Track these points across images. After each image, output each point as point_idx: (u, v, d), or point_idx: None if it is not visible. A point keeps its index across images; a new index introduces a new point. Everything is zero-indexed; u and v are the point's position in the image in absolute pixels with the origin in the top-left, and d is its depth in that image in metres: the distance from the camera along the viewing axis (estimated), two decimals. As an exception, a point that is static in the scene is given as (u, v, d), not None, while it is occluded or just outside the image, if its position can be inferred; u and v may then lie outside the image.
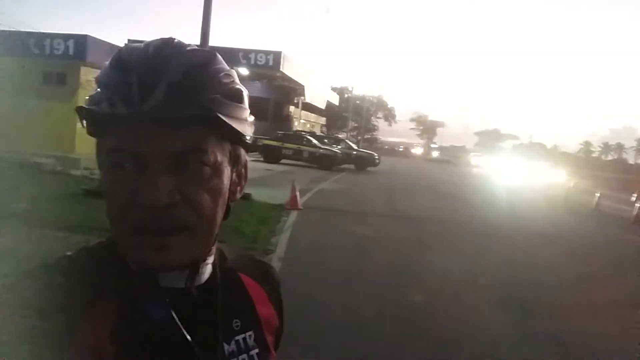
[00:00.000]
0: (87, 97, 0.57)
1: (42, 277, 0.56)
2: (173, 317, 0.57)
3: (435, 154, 65.78)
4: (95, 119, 0.55)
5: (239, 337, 0.65)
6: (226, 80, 0.58)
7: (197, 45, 0.59)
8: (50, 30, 16.66)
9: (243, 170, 0.65)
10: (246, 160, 0.65)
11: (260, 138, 22.41)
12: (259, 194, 10.25)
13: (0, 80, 13.81)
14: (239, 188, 0.65)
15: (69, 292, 0.54)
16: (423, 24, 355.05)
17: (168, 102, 0.52)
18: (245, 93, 0.60)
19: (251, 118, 0.62)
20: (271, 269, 0.81)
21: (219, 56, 0.59)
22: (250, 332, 0.67)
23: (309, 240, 7.44)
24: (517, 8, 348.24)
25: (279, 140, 21.94)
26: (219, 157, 0.57)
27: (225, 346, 0.63)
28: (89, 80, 14.55)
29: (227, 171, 0.59)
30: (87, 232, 5.72)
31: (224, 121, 0.55)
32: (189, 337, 0.57)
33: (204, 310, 0.61)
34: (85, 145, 13.31)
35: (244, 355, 0.65)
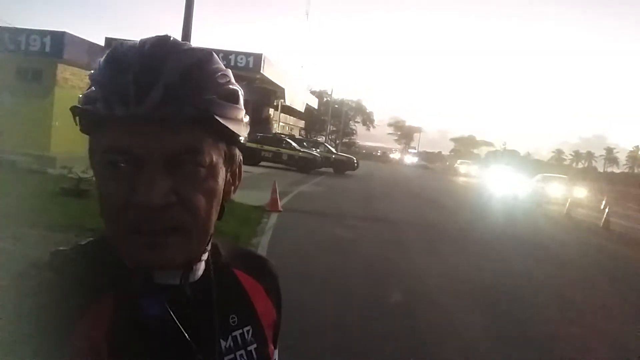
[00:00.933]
0: (81, 95, 0.56)
1: (37, 274, 0.56)
2: (170, 314, 0.57)
3: (413, 159, 64.94)
4: (90, 117, 0.54)
5: (236, 333, 0.65)
6: (222, 81, 0.58)
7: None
8: (26, 26, 16.18)
9: (237, 170, 0.65)
10: (240, 160, 0.65)
11: (239, 140, 22.32)
12: (239, 196, 10.21)
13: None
14: (233, 188, 0.65)
15: (65, 290, 0.54)
16: (402, 31, 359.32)
17: (165, 103, 0.52)
18: (241, 93, 0.61)
19: (246, 118, 0.62)
20: (268, 263, 0.80)
21: (215, 55, 0.59)
22: (248, 328, 0.66)
23: (289, 241, 7.49)
24: (494, 14, 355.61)
25: (258, 142, 21.86)
26: (215, 158, 0.57)
27: (222, 342, 0.63)
28: (65, 78, 14.28)
29: (222, 172, 0.59)
30: (65, 231, 5.66)
31: (221, 122, 0.55)
32: (185, 334, 0.57)
33: (199, 307, 0.61)
34: (60, 144, 13.05)
35: (242, 351, 0.65)
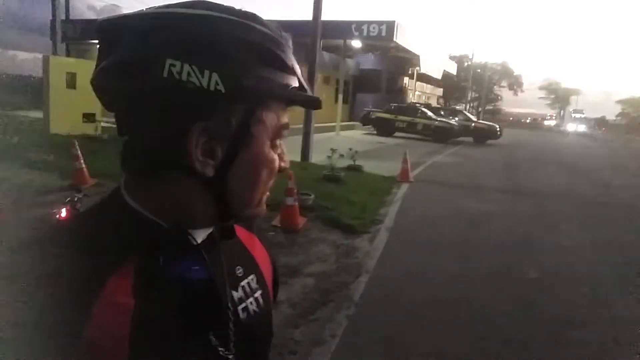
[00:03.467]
0: (256, 68, 0.55)
1: (60, 235, 0.59)
2: (204, 272, 0.60)
3: (579, 126, 52.32)
4: (267, 97, 0.58)
5: (244, 283, 0.69)
6: None
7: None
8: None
9: None
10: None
11: (373, 111, 22.36)
12: (371, 167, 10.36)
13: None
14: None
15: (93, 250, 0.55)
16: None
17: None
18: None
19: None
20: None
21: None
22: (252, 276, 0.71)
23: (418, 212, 7.38)
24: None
25: (392, 113, 21.64)
26: None
27: (234, 293, 0.66)
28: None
29: None
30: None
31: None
32: (217, 288, 0.61)
33: (214, 263, 0.63)
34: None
35: (251, 299, 0.69)
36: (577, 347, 3.47)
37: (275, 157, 0.61)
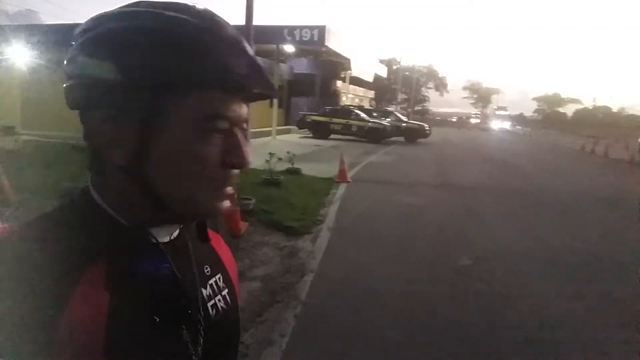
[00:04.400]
0: (159, 54, 0.54)
1: (30, 235, 0.57)
2: (168, 269, 0.61)
3: (503, 123, 52.23)
4: (179, 85, 0.55)
5: (212, 281, 0.71)
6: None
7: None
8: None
9: None
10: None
11: (309, 114, 22.58)
12: (309, 169, 10.48)
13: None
14: None
15: (59, 251, 0.55)
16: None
17: (264, 78, 0.60)
18: None
19: None
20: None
21: None
22: (219, 275, 0.73)
23: (357, 210, 7.57)
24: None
25: (327, 115, 21.99)
26: None
27: (203, 291, 0.68)
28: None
29: None
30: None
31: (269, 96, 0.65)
32: (185, 286, 0.62)
33: (183, 261, 0.65)
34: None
35: (219, 296, 0.70)
36: (512, 325, 3.74)
37: (208, 149, 0.57)
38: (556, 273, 5.02)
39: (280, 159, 8.78)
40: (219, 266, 0.74)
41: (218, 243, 0.77)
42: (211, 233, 0.74)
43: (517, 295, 4.34)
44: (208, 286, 0.69)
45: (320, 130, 21.70)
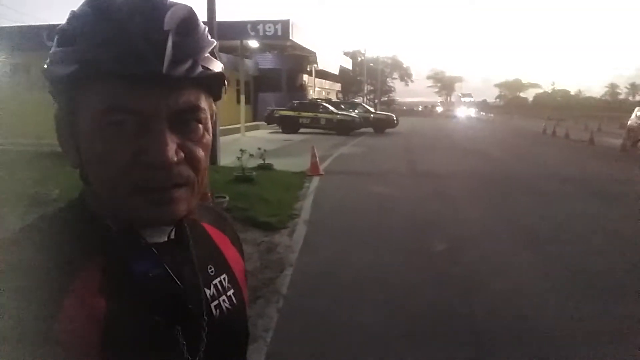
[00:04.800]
0: (52, 53, 0.55)
1: (20, 243, 0.57)
2: (162, 270, 0.60)
3: (469, 110, 52.46)
4: (82, 76, 0.52)
5: (216, 281, 0.69)
6: (210, 37, 0.58)
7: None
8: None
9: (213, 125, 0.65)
10: (216, 115, 0.65)
11: (277, 109, 22.48)
12: (281, 164, 10.45)
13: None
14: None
15: (52, 255, 0.55)
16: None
17: (177, 62, 0.52)
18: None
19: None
20: (225, 214, 0.86)
21: None
22: (224, 275, 0.71)
23: (331, 202, 7.62)
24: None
25: (295, 110, 21.96)
26: (208, 114, 0.59)
27: (207, 291, 0.66)
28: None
29: (211, 127, 0.60)
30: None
31: (220, 80, 0.59)
32: (180, 286, 0.60)
33: (182, 261, 0.63)
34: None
35: (223, 297, 0.69)
36: (488, 305, 3.87)
37: (111, 146, 0.53)
38: (524, 252, 5.21)
39: (251, 155, 8.73)
40: (224, 266, 0.73)
41: (224, 244, 0.76)
42: (217, 233, 0.75)
43: (491, 276, 4.48)
44: (212, 286, 0.68)
45: (289, 125, 21.64)
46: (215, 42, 0.59)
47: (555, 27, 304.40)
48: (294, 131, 21.42)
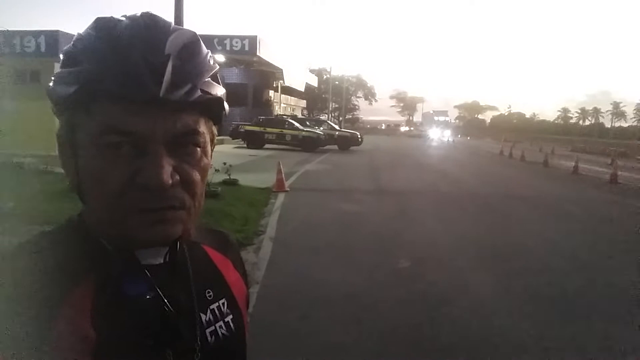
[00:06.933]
0: (57, 74, 0.56)
1: (16, 260, 0.57)
2: (154, 292, 0.59)
3: (444, 131, 46.76)
4: (82, 98, 0.53)
5: (214, 306, 0.67)
6: (212, 62, 0.59)
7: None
8: (19, 27, 16.22)
9: (212, 148, 0.65)
10: (216, 138, 0.66)
11: (242, 124, 22.40)
12: (246, 179, 10.39)
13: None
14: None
15: (44, 276, 0.55)
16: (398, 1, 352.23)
17: (176, 85, 0.53)
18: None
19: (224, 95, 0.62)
20: (230, 237, 0.82)
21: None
22: (223, 300, 0.69)
23: (297, 219, 7.63)
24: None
25: (260, 125, 21.97)
26: (207, 138, 0.60)
27: (202, 316, 0.65)
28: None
29: (209, 151, 0.61)
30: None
31: (219, 105, 0.59)
32: (171, 310, 0.60)
33: (178, 284, 0.63)
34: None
35: (220, 322, 0.67)
36: (453, 319, 3.96)
37: (110, 168, 0.54)
38: (482, 267, 5.38)
39: (216, 170, 8.65)
40: (224, 290, 0.71)
41: (226, 266, 0.74)
42: (218, 256, 0.74)
43: (454, 291, 4.60)
44: (208, 311, 0.67)
45: (254, 140, 21.60)
46: (217, 67, 0.60)
47: (511, 50, 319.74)
48: (259, 147, 21.38)
